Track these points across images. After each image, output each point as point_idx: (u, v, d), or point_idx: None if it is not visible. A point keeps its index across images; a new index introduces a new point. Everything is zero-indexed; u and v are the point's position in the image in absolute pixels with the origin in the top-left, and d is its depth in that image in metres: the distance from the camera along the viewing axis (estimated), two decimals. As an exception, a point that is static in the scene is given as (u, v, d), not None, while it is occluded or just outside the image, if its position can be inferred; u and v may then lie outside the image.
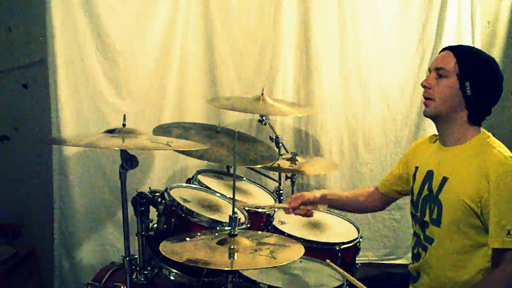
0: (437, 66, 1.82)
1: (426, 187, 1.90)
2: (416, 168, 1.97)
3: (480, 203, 1.72)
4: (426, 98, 1.84)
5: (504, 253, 1.67)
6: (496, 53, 3.44)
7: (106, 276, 2.27)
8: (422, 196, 1.91)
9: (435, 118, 1.86)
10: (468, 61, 1.79)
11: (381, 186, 2.18)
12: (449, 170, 1.82)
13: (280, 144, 2.94)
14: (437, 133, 1.93)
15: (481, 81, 1.77)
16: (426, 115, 1.87)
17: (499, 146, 1.78)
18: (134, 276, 2.14)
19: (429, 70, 1.87)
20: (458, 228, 1.78)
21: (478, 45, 3.32)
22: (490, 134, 1.85)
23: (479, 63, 1.80)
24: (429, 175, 1.89)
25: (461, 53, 1.81)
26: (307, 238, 2.32)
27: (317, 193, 2.21)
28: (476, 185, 1.72)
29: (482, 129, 1.85)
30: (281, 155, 2.88)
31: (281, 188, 2.91)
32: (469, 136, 1.81)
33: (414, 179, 1.98)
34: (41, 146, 3.08)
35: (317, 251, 2.29)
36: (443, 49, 1.87)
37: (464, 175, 1.77)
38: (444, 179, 1.82)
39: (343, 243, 2.36)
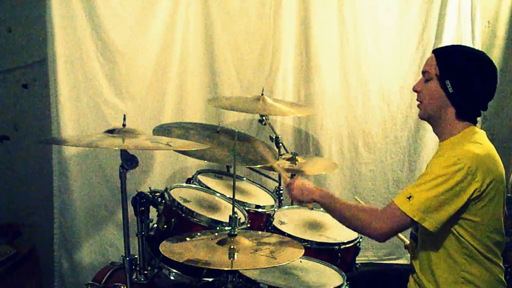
0: (423, 70, 1.90)
1: None
2: None
3: None
4: (418, 101, 1.92)
5: (393, 205, 1.76)
6: (496, 53, 3.45)
7: (106, 276, 2.26)
8: None
9: (427, 119, 1.92)
10: (447, 60, 1.83)
11: None
12: (430, 162, 1.88)
13: (280, 144, 2.94)
14: None
15: (461, 78, 1.80)
16: (419, 117, 1.95)
17: (472, 143, 1.78)
18: (134, 276, 2.13)
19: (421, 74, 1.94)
20: None
21: (478, 45, 3.33)
22: (478, 130, 1.86)
23: (457, 60, 1.83)
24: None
25: (441, 54, 1.87)
26: (307, 238, 2.32)
27: None
28: None
29: (473, 126, 1.86)
30: (281, 155, 2.88)
31: (281, 188, 2.91)
32: (456, 131, 1.84)
33: None
34: (41, 146, 3.08)
35: (317, 251, 2.29)
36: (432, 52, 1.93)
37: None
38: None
39: (343, 243, 2.36)
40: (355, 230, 1.91)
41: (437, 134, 1.93)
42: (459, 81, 1.79)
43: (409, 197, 1.73)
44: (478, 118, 1.88)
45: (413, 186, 1.76)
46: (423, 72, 1.88)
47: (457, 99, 1.80)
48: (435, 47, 3.23)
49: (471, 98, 1.81)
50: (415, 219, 1.72)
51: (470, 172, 1.69)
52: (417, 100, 1.91)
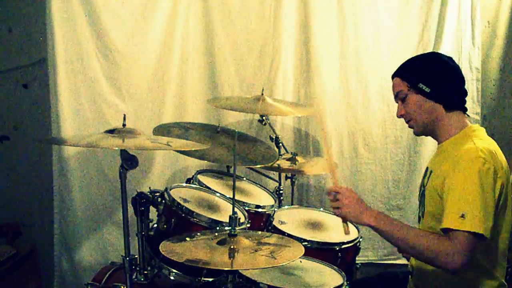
0: (395, 94, 1.95)
1: (422, 183, 1.96)
2: None
3: (444, 189, 1.75)
4: (407, 123, 1.96)
5: (449, 232, 1.66)
6: (496, 53, 3.45)
7: (106, 276, 2.26)
8: (420, 193, 1.97)
9: (423, 131, 1.94)
10: (408, 70, 1.92)
11: None
12: (434, 164, 1.89)
13: (280, 144, 2.94)
14: None
15: (428, 74, 1.86)
16: (416, 135, 1.99)
17: (479, 139, 1.79)
18: (134, 276, 2.13)
19: (396, 101, 1.98)
20: (434, 220, 1.80)
21: (478, 45, 3.34)
22: (478, 127, 1.88)
23: (415, 65, 1.93)
24: (426, 171, 1.96)
25: (401, 70, 1.96)
26: (307, 238, 2.32)
27: None
28: (445, 174, 1.76)
29: (470, 124, 1.88)
30: (281, 155, 2.88)
31: (281, 188, 2.91)
32: (455, 129, 1.86)
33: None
34: (41, 146, 3.08)
35: (317, 251, 2.29)
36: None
37: (441, 167, 1.80)
38: (430, 173, 1.89)
39: (343, 243, 2.36)
40: (424, 261, 1.74)
41: (435, 138, 1.93)
42: (428, 77, 1.85)
43: (462, 216, 1.62)
44: (478, 118, 1.89)
45: (455, 202, 1.66)
46: (396, 95, 1.94)
47: (437, 93, 1.84)
48: (435, 47, 3.29)
49: (447, 85, 1.85)
50: (484, 233, 1.62)
51: (496, 169, 1.70)
52: (406, 122, 1.95)
